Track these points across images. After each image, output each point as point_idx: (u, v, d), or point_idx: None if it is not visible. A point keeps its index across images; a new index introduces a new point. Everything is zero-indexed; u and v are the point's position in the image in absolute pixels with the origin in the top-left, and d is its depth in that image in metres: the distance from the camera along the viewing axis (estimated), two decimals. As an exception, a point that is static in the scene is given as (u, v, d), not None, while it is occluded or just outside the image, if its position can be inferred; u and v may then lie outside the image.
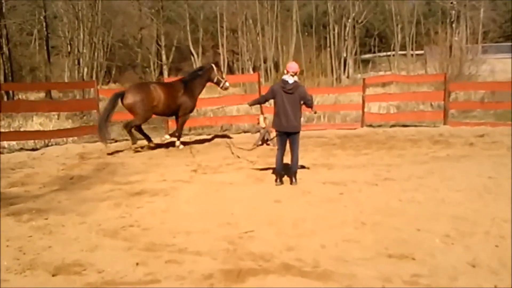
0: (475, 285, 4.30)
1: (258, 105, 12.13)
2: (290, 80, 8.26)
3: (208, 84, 13.42)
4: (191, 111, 13.33)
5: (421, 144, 12.13)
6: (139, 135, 12.62)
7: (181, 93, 12.69)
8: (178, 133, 13.02)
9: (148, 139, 12.75)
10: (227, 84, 13.22)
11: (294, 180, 8.46)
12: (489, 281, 4.36)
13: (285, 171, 8.65)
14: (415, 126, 15.63)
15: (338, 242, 5.49)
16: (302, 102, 8.36)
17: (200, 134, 15.59)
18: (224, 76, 13.44)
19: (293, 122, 8.26)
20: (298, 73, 8.42)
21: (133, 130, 12.34)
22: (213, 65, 13.29)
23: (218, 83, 13.16)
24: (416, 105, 21.00)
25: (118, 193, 8.25)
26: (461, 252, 5.07)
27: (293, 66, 8.44)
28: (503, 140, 12.30)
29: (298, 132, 8.42)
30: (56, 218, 6.81)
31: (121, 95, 12.14)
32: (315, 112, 9.18)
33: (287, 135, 8.40)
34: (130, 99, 12.03)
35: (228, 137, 14.43)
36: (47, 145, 13.77)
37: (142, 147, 12.43)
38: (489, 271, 4.59)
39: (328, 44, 44.64)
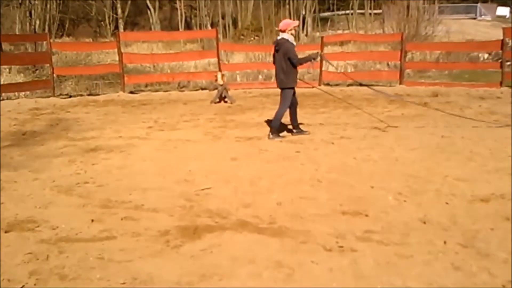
0: (426, 241, 4.41)
1: (216, 62, 11.98)
2: (279, 37, 8.50)
3: (168, 39, 13.10)
4: None
5: (377, 103, 12.27)
6: None
7: None
8: None
9: None
10: None
11: (270, 134, 8.68)
12: (440, 237, 4.48)
13: (282, 128, 9.03)
14: (372, 85, 15.76)
15: (294, 199, 5.55)
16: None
17: (157, 91, 15.37)
18: None
19: (278, 77, 8.53)
20: (288, 30, 8.41)
21: None
22: None
23: None
24: (373, 64, 21.17)
25: (73, 149, 8.11)
26: (413, 209, 5.18)
27: (281, 23, 8.63)
28: (457, 100, 12.56)
29: (286, 88, 8.55)
30: (8, 174, 6.67)
31: None
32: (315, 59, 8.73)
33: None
34: None
35: None
36: (-2, 100, 13.40)
37: None
38: (440, 228, 4.71)
39: (287, 1, 44.21)
